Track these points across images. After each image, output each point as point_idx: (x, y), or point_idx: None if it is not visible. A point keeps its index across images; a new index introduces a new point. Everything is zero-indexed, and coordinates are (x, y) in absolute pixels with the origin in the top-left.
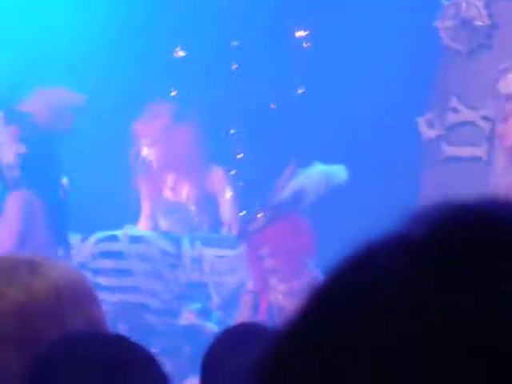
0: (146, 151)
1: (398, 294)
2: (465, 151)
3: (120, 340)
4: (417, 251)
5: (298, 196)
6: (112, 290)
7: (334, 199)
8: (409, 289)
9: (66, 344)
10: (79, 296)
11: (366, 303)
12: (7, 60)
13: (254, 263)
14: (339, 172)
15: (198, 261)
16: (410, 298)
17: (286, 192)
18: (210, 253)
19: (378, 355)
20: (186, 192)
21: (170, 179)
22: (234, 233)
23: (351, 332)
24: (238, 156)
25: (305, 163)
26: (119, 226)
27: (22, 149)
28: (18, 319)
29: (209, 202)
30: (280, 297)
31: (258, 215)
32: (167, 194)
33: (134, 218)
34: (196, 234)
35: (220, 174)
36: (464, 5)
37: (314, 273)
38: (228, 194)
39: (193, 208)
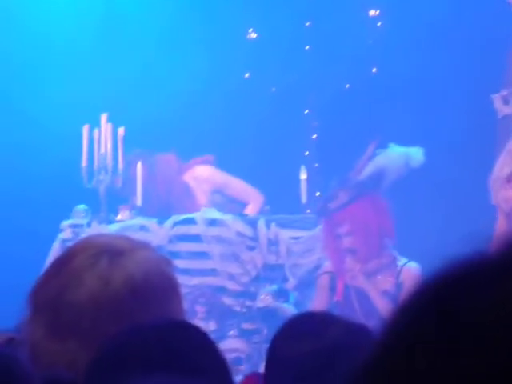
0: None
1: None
2: None
3: (179, 327)
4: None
5: (378, 176)
6: (190, 273)
7: (412, 181)
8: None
9: (123, 336)
10: (156, 291)
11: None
12: None
13: (332, 243)
14: (417, 154)
15: (274, 242)
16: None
17: (366, 171)
18: (286, 234)
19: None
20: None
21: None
22: (313, 212)
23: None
24: (313, 136)
25: (381, 144)
26: (196, 209)
27: None
28: (91, 310)
29: None
30: (357, 277)
31: (339, 194)
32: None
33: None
34: (272, 216)
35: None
36: None
37: (392, 253)
38: (303, 175)
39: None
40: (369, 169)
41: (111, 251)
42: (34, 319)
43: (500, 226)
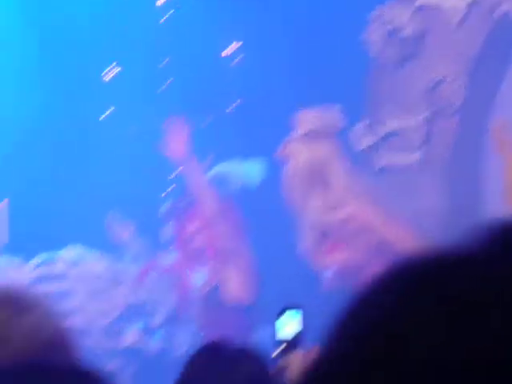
0: None
1: None
2: (398, 159)
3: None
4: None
5: (220, 179)
6: None
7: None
8: None
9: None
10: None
11: None
12: None
13: (182, 242)
14: (254, 168)
15: (155, 269)
16: None
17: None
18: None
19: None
20: None
21: None
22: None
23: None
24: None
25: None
26: (62, 246)
27: None
28: None
29: None
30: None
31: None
32: None
33: (74, 239)
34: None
35: None
36: (390, 16)
37: (244, 256)
38: None
39: None
40: (213, 171)
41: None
42: None
43: None
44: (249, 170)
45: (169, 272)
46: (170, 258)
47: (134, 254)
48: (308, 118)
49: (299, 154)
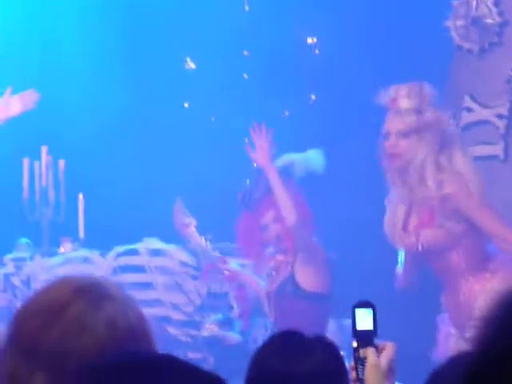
0: None
1: None
2: (481, 150)
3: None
4: None
5: (289, 165)
6: None
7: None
8: None
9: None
10: (144, 332)
11: None
12: None
13: (255, 235)
14: (317, 157)
15: (217, 271)
16: None
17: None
18: (229, 262)
19: None
20: None
21: None
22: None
23: None
24: (255, 165)
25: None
26: (138, 239)
27: None
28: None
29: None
30: (273, 271)
31: (257, 185)
32: None
33: (152, 231)
34: (215, 244)
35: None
36: (474, 3)
37: (318, 247)
38: None
39: None
40: (278, 162)
41: (85, 295)
42: (29, 366)
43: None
44: (312, 159)
45: (241, 267)
46: (241, 253)
47: (201, 248)
48: (402, 94)
49: (398, 128)
